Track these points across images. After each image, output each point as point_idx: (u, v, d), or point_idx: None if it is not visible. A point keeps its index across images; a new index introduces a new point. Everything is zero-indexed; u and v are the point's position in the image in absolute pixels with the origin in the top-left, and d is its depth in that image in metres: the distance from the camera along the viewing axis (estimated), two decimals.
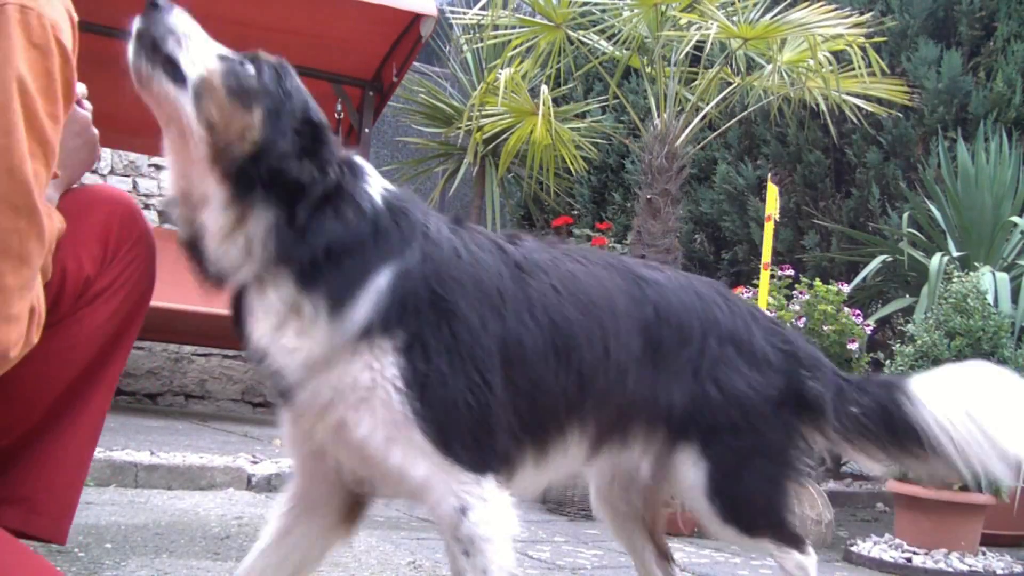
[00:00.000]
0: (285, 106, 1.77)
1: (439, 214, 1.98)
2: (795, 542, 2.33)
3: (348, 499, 2.02)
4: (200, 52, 1.75)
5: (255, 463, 4.31)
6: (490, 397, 1.82)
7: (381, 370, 1.76)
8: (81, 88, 1.90)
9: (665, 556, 2.54)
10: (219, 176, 1.73)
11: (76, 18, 1.74)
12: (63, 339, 1.93)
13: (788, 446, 2.31)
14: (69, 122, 1.77)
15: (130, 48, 1.73)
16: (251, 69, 1.78)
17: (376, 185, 1.87)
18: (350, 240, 1.76)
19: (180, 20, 1.75)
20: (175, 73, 1.72)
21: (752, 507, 2.25)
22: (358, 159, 1.88)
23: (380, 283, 1.77)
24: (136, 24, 1.73)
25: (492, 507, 1.81)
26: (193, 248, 1.79)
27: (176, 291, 3.12)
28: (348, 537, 2.08)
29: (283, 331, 1.76)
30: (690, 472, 2.18)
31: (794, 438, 2.32)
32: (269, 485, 4.20)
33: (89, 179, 7.44)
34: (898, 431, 2.30)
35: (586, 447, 2.13)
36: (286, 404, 1.84)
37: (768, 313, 2.45)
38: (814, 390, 2.32)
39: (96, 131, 2.00)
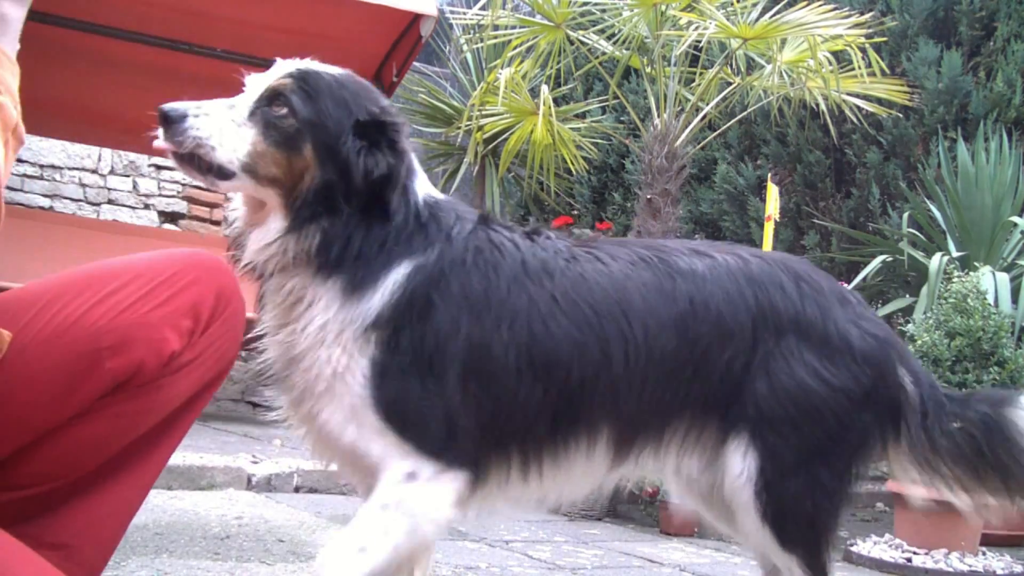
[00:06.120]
0: (329, 127, 1.81)
1: (472, 213, 2.03)
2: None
3: None
4: (231, 137, 1.79)
5: (255, 463, 4.31)
6: (445, 396, 1.84)
7: (355, 358, 1.83)
8: None
9: None
10: (285, 212, 1.83)
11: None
12: (140, 403, 1.87)
13: (858, 455, 2.07)
14: None
15: (176, 165, 1.84)
16: (282, 109, 1.81)
17: (422, 185, 1.96)
18: (384, 236, 1.84)
19: (198, 122, 1.78)
20: (224, 172, 1.80)
21: (796, 515, 2.04)
22: (414, 155, 1.96)
23: (396, 277, 1.83)
24: (164, 143, 1.78)
25: (437, 490, 1.84)
26: (235, 243, 1.92)
27: None
28: None
29: (299, 316, 1.85)
30: (737, 463, 2.02)
31: (869, 446, 2.07)
32: (269, 485, 4.21)
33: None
34: (1003, 454, 2.04)
35: (608, 456, 2.04)
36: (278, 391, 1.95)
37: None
38: (910, 391, 2.07)
39: None
